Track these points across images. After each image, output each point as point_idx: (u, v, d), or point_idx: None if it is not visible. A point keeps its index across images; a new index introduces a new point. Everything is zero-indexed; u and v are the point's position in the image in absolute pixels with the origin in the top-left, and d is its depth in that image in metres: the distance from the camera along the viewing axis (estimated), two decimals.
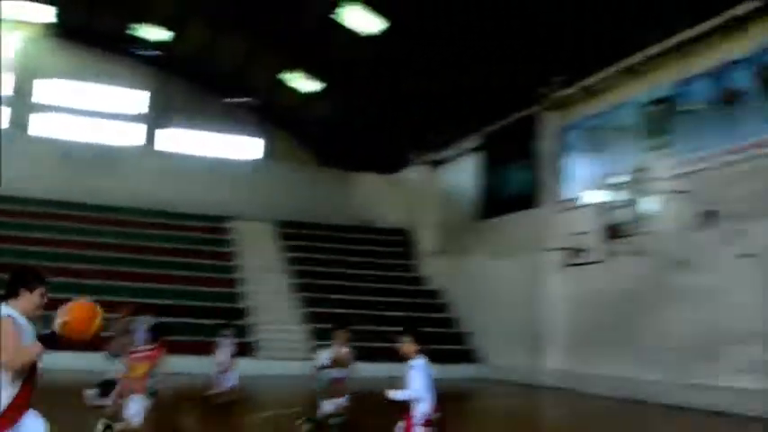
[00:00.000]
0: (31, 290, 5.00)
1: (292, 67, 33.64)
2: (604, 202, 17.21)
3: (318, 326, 24.89)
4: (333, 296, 27.25)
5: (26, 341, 4.81)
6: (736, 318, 15.88)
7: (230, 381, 15.55)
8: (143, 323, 12.45)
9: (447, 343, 25.42)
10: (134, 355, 9.50)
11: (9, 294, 4.96)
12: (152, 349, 9.51)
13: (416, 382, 6.60)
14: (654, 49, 19.26)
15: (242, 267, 28.79)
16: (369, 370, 19.13)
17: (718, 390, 15.85)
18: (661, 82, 19.40)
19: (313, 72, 33.55)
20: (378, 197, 35.06)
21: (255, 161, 37.73)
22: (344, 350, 10.68)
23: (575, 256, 18.62)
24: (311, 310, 26.29)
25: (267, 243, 31.06)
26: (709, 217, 17.40)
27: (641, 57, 19.73)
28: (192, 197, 31.40)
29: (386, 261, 31.50)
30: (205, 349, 21.93)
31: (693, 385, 16.47)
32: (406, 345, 6.96)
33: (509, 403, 19.06)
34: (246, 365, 22.46)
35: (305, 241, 31.13)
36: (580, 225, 20.81)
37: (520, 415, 16.90)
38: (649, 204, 18.29)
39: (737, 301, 15.96)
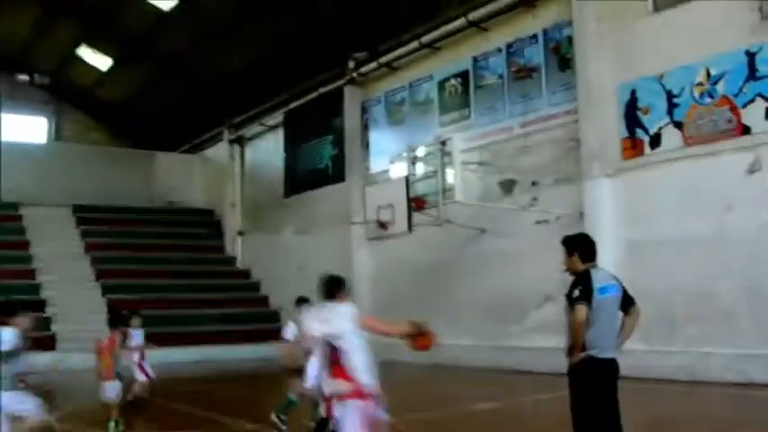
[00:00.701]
0: None
1: (86, 41, 31.69)
2: (408, 175, 17.53)
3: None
4: (136, 281, 26.17)
5: None
6: (536, 281, 16.82)
7: None
8: None
9: (257, 322, 25.19)
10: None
11: None
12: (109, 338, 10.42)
13: None
14: (451, 26, 19.88)
15: (38, 256, 26.92)
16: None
17: (522, 350, 16.80)
18: (459, 58, 20.12)
19: (108, 47, 31.80)
20: (181, 177, 33.96)
21: (46, 143, 35.30)
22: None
23: (381, 229, 18.90)
24: (113, 297, 25.10)
25: (64, 229, 29.24)
26: (507, 186, 18.39)
27: (439, 33, 20.31)
28: None
29: (192, 242, 30.70)
30: None
31: (501, 347, 17.35)
32: None
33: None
34: (47, 359, 21.26)
35: (105, 225, 29.62)
36: (385, 198, 21.10)
37: None
38: (451, 176, 18.88)
39: (536, 265, 16.88)
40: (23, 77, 29.23)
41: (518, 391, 14.39)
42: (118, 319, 11.18)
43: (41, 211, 29.44)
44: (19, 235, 27.98)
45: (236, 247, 30.93)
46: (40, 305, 23.71)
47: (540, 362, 16.23)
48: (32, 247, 27.47)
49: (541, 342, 16.42)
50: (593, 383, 5.91)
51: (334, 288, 6.20)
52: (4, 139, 32.61)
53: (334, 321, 5.90)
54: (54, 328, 22.87)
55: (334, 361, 5.85)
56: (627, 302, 6.18)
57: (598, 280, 6.00)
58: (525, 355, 16.59)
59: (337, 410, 5.80)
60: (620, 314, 6.24)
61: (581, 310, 5.86)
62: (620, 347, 6.05)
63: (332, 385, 5.90)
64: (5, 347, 7.36)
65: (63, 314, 23.52)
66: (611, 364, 5.98)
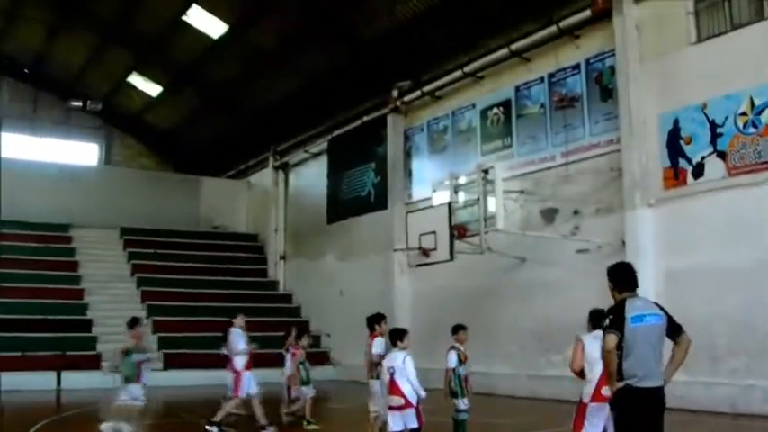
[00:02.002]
0: None
1: (137, 69, 32.60)
2: (450, 203, 17.65)
3: (165, 335, 24.35)
4: (180, 303, 26.62)
5: None
6: (576, 310, 16.66)
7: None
8: None
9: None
10: None
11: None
12: None
13: None
14: (494, 56, 20.09)
15: (86, 277, 27.55)
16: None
17: (562, 379, 16.65)
18: (501, 87, 20.30)
19: (158, 75, 32.65)
20: (226, 202, 34.54)
21: (97, 167, 36.22)
22: None
23: (423, 256, 19.00)
24: (158, 318, 25.57)
25: (111, 251, 29.92)
26: (549, 215, 18.43)
27: (482, 63, 20.54)
28: (30, 205, 29.50)
29: (235, 266, 31.07)
30: (48, 364, 21.14)
31: (540, 376, 17.34)
32: None
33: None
34: (92, 378, 21.75)
35: (151, 248, 30.19)
36: (427, 225, 21.25)
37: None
38: (493, 204, 18.97)
39: (577, 295, 16.86)
40: (77, 103, 29.96)
41: (556, 421, 14.28)
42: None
43: (90, 232, 30.25)
44: (68, 256, 28.72)
45: (278, 271, 31.30)
46: (87, 325, 24.30)
47: (578, 391, 16.18)
48: (81, 268, 28.15)
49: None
50: (631, 413, 5.86)
51: (394, 337, 9.13)
52: (57, 161, 33.68)
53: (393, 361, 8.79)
54: (99, 348, 23.33)
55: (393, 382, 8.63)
56: (674, 331, 6.13)
57: (633, 309, 5.96)
58: (565, 384, 16.46)
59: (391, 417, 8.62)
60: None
61: (609, 338, 5.89)
62: (668, 376, 6.00)
63: (394, 400, 8.59)
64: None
65: (108, 334, 23.99)
66: (652, 393, 5.87)
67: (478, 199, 16.84)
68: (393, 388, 8.58)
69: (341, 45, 24.82)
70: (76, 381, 21.61)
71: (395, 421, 8.56)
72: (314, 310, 27.98)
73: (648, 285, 15.69)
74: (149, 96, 34.41)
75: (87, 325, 24.61)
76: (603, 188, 17.16)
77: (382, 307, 22.39)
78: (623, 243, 16.23)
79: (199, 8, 26.64)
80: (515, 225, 18.22)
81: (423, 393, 8.60)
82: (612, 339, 5.88)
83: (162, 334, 24.33)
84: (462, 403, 10.64)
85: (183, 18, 27.28)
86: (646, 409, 5.86)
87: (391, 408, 8.60)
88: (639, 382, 5.82)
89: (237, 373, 12.52)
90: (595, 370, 7.29)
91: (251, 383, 12.62)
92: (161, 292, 27.40)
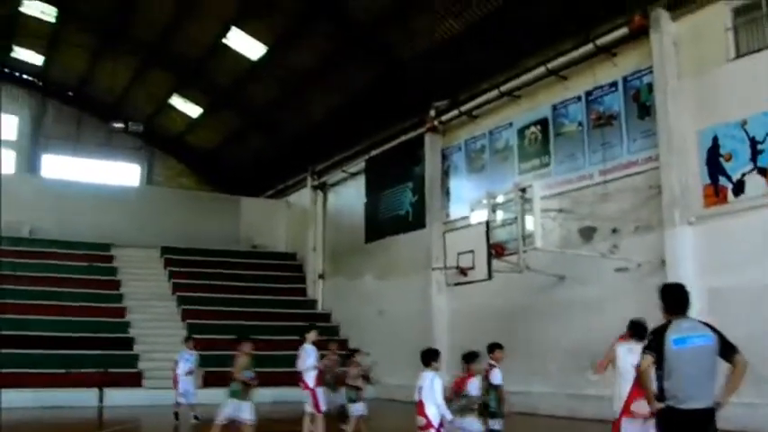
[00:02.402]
0: None
1: (178, 91, 33.22)
2: (488, 221, 17.65)
3: (205, 353, 24.55)
4: (220, 322, 26.86)
5: None
6: (616, 329, 16.54)
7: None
8: None
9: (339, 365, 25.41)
10: None
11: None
12: None
13: None
14: (531, 74, 20.11)
15: (128, 295, 28.00)
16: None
17: (602, 399, 16.47)
18: (538, 105, 20.29)
19: (198, 96, 33.21)
20: (266, 221, 34.86)
21: (139, 187, 36.88)
22: None
23: (461, 275, 18.97)
24: (198, 336, 25.80)
25: (153, 270, 30.36)
26: (587, 233, 18.32)
27: (519, 81, 20.56)
28: (74, 225, 30.13)
29: (274, 285, 31.31)
30: (90, 381, 21.52)
31: (580, 395, 17.02)
32: None
33: (403, 422, 19.30)
34: (134, 395, 22.11)
35: (191, 267, 30.60)
36: (465, 244, 21.24)
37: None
38: (531, 223, 18.92)
39: (616, 313, 16.69)
40: (119, 125, 30.70)
41: None
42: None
43: (132, 252, 30.77)
44: (110, 275, 29.22)
45: (317, 290, 31.46)
46: (129, 343, 24.67)
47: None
48: (122, 287, 28.61)
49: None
50: None
51: (427, 358, 9.19)
52: (100, 182, 34.33)
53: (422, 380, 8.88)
54: (141, 365, 23.66)
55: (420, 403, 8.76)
56: (727, 351, 6.01)
57: (677, 331, 5.96)
58: (605, 404, 16.29)
59: None
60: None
61: (644, 359, 5.97)
62: (723, 398, 5.89)
63: (418, 420, 8.75)
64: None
65: (149, 352, 24.32)
66: (694, 415, 5.82)
67: (516, 218, 16.82)
68: (419, 408, 8.71)
69: (378, 65, 25.05)
70: (118, 398, 21.95)
71: None
72: (353, 329, 28.04)
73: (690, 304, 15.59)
74: (190, 117, 35.02)
75: (129, 343, 24.99)
76: (642, 206, 17.02)
77: (420, 326, 22.65)
78: (663, 262, 16.07)
79: (239, 31, 27.14)
80: (553, 243, 18.13)
81: (448, 416, 8.67)
82: (646, 361, 5.94)
83: (202, 352, 24.51)
84: (498, 424, 10.40)
85: (223, 41, 27.80)
86: (686, 430, 5.83)
87: (419, 428, 8.71)
88: (680, 403, 5.82)
89: (312, 391, 12.85)
90: (624, 384, 7.26)
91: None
92: (201, 310, 27.70)
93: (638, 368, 6.03)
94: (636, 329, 8.89)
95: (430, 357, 9.30)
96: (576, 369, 17.44)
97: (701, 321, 6.17)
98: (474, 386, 10.02)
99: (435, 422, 8.51)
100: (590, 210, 18.23)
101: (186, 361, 17.78)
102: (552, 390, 18.02)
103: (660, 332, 6.02)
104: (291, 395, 23.54)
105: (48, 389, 21.45)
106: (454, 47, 22.06)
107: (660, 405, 5.90)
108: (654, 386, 5.99)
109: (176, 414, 17.39)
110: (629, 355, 6.85)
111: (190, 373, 17.66)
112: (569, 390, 17.49)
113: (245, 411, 11.57)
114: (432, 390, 8.59)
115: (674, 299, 6.22)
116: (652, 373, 5.96)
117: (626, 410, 7.37)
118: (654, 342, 6.02)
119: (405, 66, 24.11)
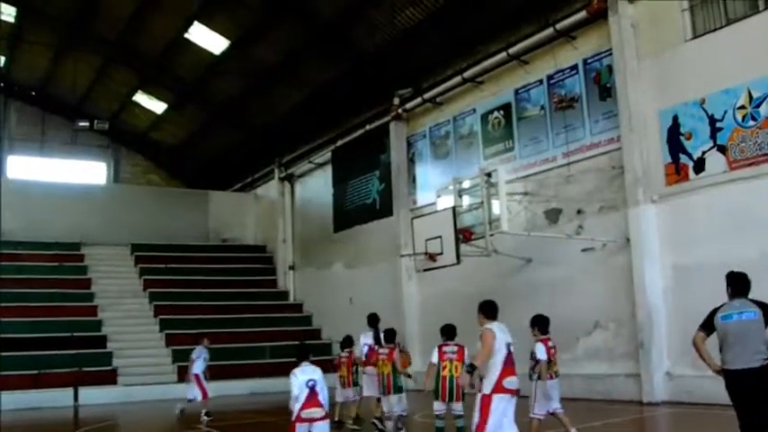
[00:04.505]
0: None
1: (142, 88, 32.96)
2: (454, 207, 17.78)
3: (178, 348, 24.53)
4: (193, 316, 26.84)
5: None
6: (584, 309, 16.96)
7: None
8: None
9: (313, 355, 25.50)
10: None
11: None
12: None
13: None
14: (493, 60, 20.28)
15: (100, 294, 27.85)
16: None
17: (573, 377, 16.72)
18: (501, 91, 20.47)
19: (163, 93, 32.98)
20: (234, 215, 34.83)
21: (106, 185, 36.59)
22: None
23: (429, 261, 19.10)
24: (171, 332, 25.81)
25: (123, 267, 30.22)
26: (553, 215, 18.57)
27: (481, 67, 20.73)
28: (42, 225, 29.85)
29: (245, 278, 31.33)
30: (65, 380, 21.45)
31: None
32: None
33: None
34: (109, 393, 22.06)
35: (162, 263, 30.47)
36: (433, 230, 21.39)
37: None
38: (497, 206, 19.09)
39: (584, 293, 17.05)
40: (84, 123, 30.40)
41: (575, 420, 14.24)
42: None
43: (102, 250, 30.61)
44: (81, 274, 29.02)
45: (288, 281, 31.51)
46: (102, 341, 24.58)
47: (593, 388, 16.30)
48: (94, 285, 28.43)
49: (591, 369, 16.50)
50: (728, 389, 7.37)
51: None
52: (66, 181, 34.03)
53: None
54: (115, 362, 23.59)
55: None
56: None
57: (726, 309, 7.42)
58: (576, 381, 16.59)
59: None
60: None
61: (697, 335, 7.53)
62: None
63: None
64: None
65: (123, 349, 24.24)
66: (739, 374, 7.19)
67: (482, 202, 16.98)
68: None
69: (342, 57, 25.06)
70: (93, 396, 21.88)
71: None
72: (325, 319, 28.17)
73: (655, 281, 15.87)
74: (155, 114, 34.76)
75: (102, 341, 24.87)
76: (606, 186, 17.29)
77: (391, 312, 22.73)
78: (627, 240, 16.37)
79: (200, 26, 26.96)
80: (520, 226, 18.31)
81: None
82: (698, 336, 7.51)
83: (175, 347, 24.50)
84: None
85: (186, 36, 27.60)
86: (735, 386, 7.28)
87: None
88: (730, 365, 7.28)
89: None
90: (498, 361, 7.92)
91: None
92: (173, 305, 27.67)
93: (693, 342, 7.55)
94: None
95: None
96: None
97: (752, 300, 7.41)
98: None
99: None
100: (555, 192, 18.48)
101: (203, 359, 17.10)
102: (523, 370, 18.12)
103: (712, 312, 7.50)
104: (267, 386, 23.67)
105: (22, 390, 21.31)
106: (416, 35, 22.19)
107: (718, 366, 7.37)
108: (710, 356, 7.43)
109: (182, 411, 16.65)
110: (502, 335, 7.98)
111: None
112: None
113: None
114: None
115: (735, 284, 7.63)
116: (705, 345, 7.45)
117: (498, 387, 7.81)
118: (705, 321, 7.52)
119: (368, 56, 24.14)
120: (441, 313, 21.10)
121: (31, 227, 29.56)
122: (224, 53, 27.70)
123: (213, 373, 17.37)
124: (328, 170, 28.77)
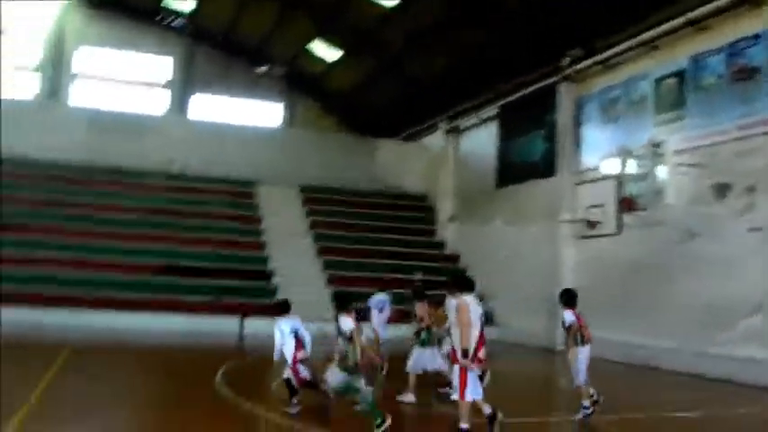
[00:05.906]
0: None
1: (318, 35, 34.14)
2: (619, 174, 17.61)
3: (338, 288, 25.80)
4: (352, 260, 28.09)
5: None
6: (745, 290, 16.43)
7: None
8: None
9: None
10: None
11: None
12: None
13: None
14: (669, 25, 19.56)
15: (268, 231, 29.67)
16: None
17: (727, 359, 16.38)
18: (676, 56, 19.69)
19: (337, 41, 34.04)
20: (400, 163, 35.67)
21: (281, 128, 38.45)
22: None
23: (589, 228, 19.07)
24: (333, 272, 27.15)
25: (292, 207, 31.89)
26: (721, 190, 17.87)
27: (657, 31, 20.02)
28: (218, 163, 32.16)
29: (405, 225, 32.21)
30: (235, 310, 23.29)
31: (704, 353, 16.89)
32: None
33: (527, 365, 19.94)
34: (270, 325, 23.61)
35: (328, 206, 31.97)
36: (595, 197, 21.33)
37: (538, 377, 17.88)
38: (663, 177, 18.71)
39: (746, 273, 16.50)
40: (263, 68, 32.07)
41: (722, 402, 13.99)
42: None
43: (273, 189, 32.43)
44: (252, 211, 30.99)
45: (446, 232, 32.11)
46: (268, 275, 26.34)
47: (747, 373, 15.82)
48: (263, 223, 30.32)
49: (749, 352, 16.01)
50: None
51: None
52: (244, 123, 36.13)
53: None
54: (279, 295, 25.20)
55: None
56: None
57: None
58: (731, 364, 16.21)
59: None
60: None
61: None
62: None
63: None
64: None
65: (287, 284, 25.77)
66: None
67: (647, 173, 16.72)
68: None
69: (514, 13, 24.91)
70: (256, 327, 23.55)
71: None
72: (480, 272, 28.49)
73: None
74: (328, 61, 35.93)
75: (269, 275, 26.66)
76: None
77: (547, 273, 22.94)
78: None
79: None
80: (685, 199, 17.89)
81: None
82: None
83: (335, 288, 25.76)
84: None
85: None
86: None
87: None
88: None
89: None
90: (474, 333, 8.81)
91: None
92: (335, 248, 29.03)
93: None
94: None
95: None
96: (701, 327, 17.34)
97: None
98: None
99: None
100: (726, 166, 17.62)
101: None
102: (676, 345, 17.93)
103: None
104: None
105: (196, 315, 23.43)
106: None
107: None
108: None
109: None
110: (475, 307, 8.87)
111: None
112: (694, 347, 17.36)
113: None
114: None
115: None
116: None
117: (475, 357, 8.79)
118: None
119: (540, 13, 23.85)
120: (596, 279, 21.18)
121: (211, 164, 31.84)
122: (396, 4, 28.22)
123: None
124: (492, 126, 28.83)
